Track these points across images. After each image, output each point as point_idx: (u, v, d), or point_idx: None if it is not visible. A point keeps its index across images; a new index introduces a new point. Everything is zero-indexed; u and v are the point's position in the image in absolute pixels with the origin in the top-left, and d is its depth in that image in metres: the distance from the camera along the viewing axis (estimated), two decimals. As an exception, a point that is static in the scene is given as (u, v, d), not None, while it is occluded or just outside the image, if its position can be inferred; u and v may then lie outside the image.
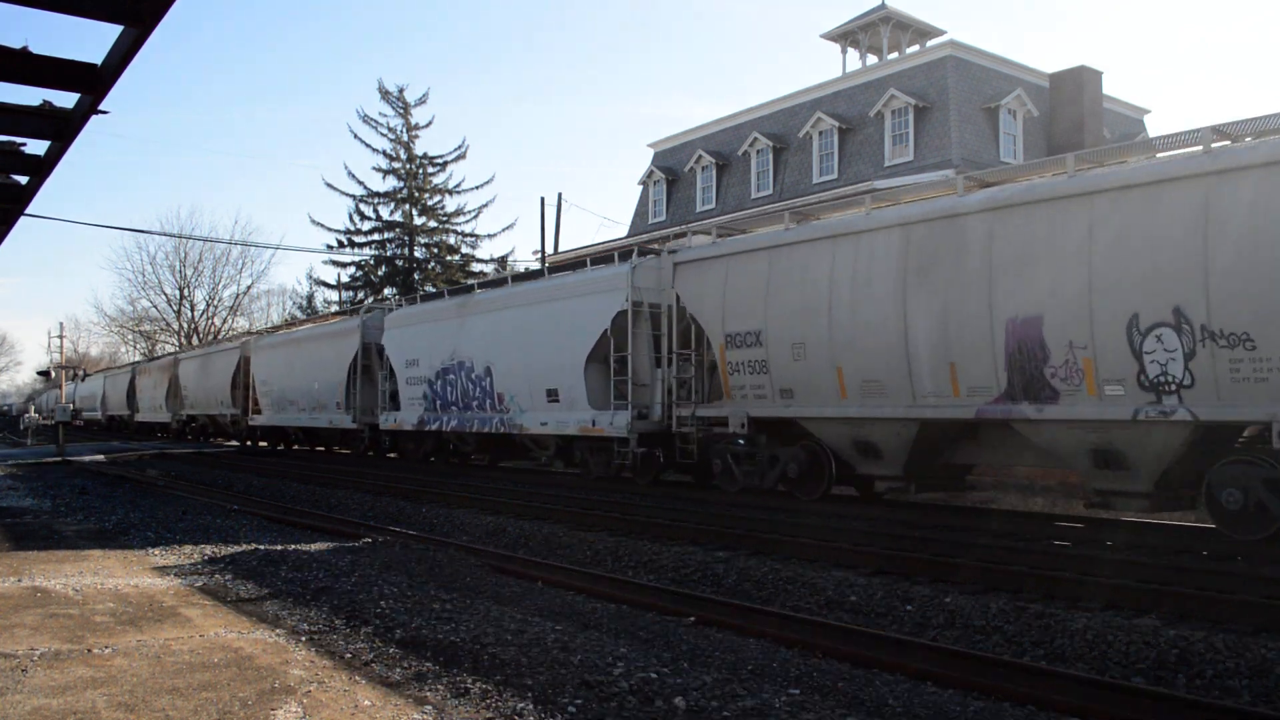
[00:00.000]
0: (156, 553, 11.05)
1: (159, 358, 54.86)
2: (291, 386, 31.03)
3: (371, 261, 47.67)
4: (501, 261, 46.24)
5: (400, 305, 26.93)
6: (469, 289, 23.67)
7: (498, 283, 22.73)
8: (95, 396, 63.68)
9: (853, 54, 33.45)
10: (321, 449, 32.99)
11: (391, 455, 27.53)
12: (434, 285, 42.13)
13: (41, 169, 8.20)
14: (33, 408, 70.06)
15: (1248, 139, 10.47)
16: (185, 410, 42.28)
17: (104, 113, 6.70)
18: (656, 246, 20.22)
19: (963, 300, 12.08)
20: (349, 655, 6.44)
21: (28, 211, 9.97)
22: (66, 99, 6.82)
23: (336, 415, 28.11)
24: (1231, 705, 5.58)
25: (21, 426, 52.77)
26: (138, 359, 65.54)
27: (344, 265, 48.65)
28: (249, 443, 36.92)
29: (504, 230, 71.25)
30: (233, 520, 14.08)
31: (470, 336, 21.84)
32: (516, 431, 20.19)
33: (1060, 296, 11.07)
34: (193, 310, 67.36)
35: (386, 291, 44.71)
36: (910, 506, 13.92)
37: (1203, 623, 7.03)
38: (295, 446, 34.08)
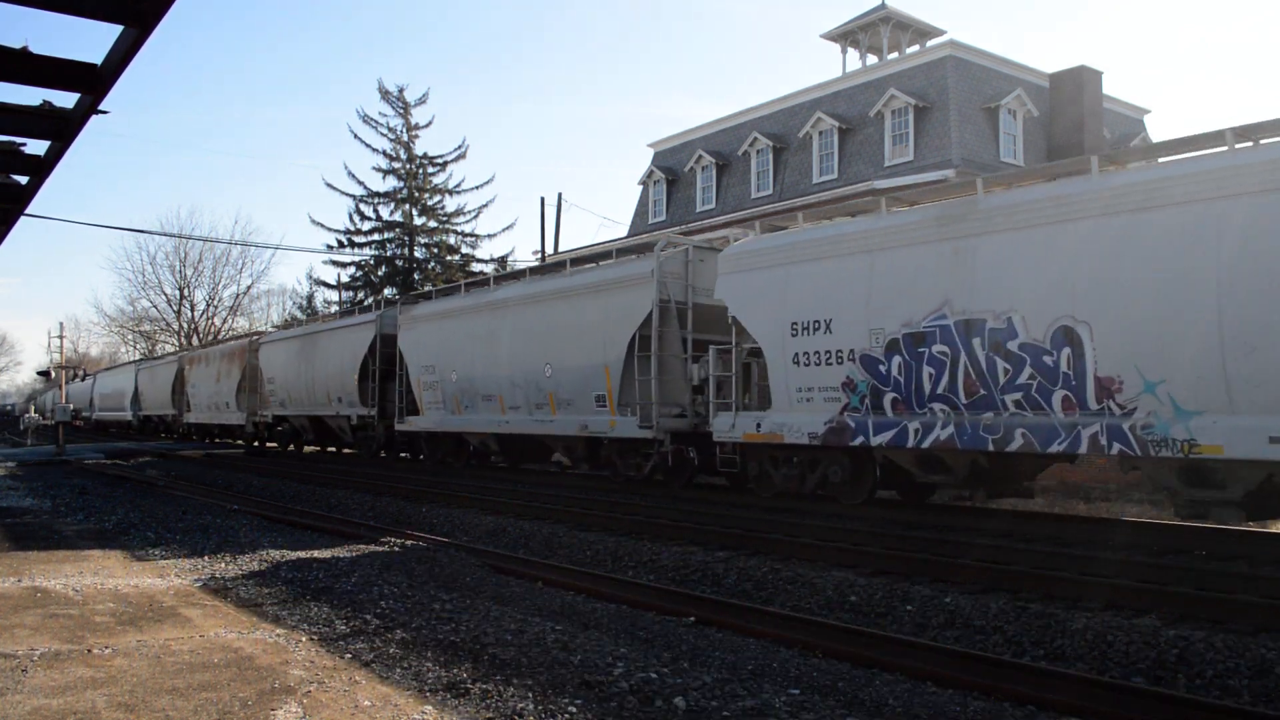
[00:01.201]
0: (156, 553, 11.06)
1: (221, 342, 45.04)
2: (490, 374, 20.35)
3: (371, 261, 47.67)
4: (502, 261, 46.24)
5: (746, 234, 16.45)
6: (959, 188, 12.86)
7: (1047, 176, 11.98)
8: (123, 394, 52.72)
9: (853, 54, 33.48)
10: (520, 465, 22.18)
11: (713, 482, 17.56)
12: (433, 284, 41.47)
13: (41, 169, 8.19)
14: (33, 407, 69.64)
15: None
16: (272, 410, 31.32)
17: (104, 113, 6.70)
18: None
19: None
20: (349, 655, 6.44)
21: (28, 211, 9.96)
22: (66, 99, 6.81)
23: (598, 417, 17.30)
24: (1231, 705, 5.59)
25: (21, 427, 52.70)
26: (185, 348, 53.94)
27: (344, 265, 48.62)
28: (383, 453, 26.77)
29: (504, 230, 71.48)
30: (233, 520, 14.08)
31: (994, 272, 11.56)
32: (1174, 453, 9.84)
33: None
34: (193, 310, 67.39)
35: (387, 291, 44.65)
36: (910, 506, 13.91)
37: (1203, 623, 7.03)
38: (473, 460, 22.99)
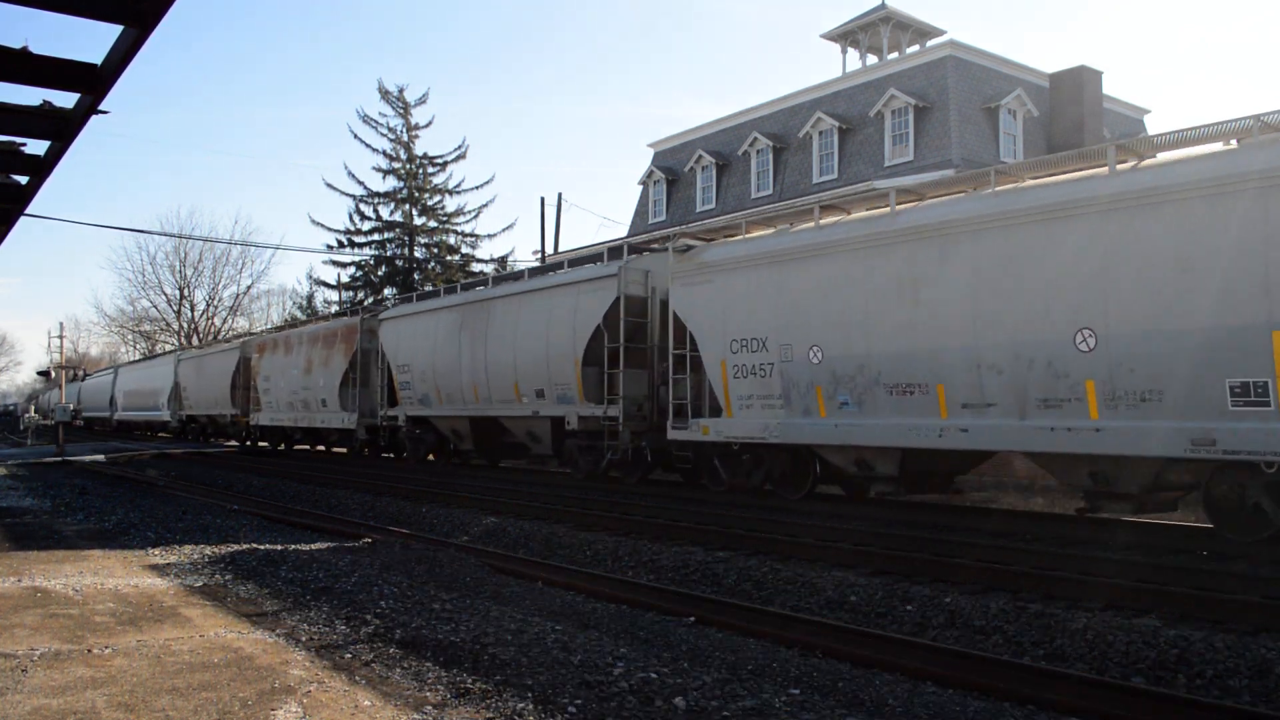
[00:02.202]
0: (156, 553, 11.05)
1: (311, 320, 35.45)
2: (910, 349, 12.07)
3: (371, 261, 47.69)
4: (501, 261, 46.25)
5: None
6: None
7: None
8: (156, 392, 44.52)
9: (853, 54, 33.48)
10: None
11: None
12: (433, 284, 41.51)
13: (41, 169, 8.20)
14: (33, 408, 69.49)
15: None
16: (404, 409, 23.50)
17: (104, 113, 6.70)
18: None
19: None
20: (349, 655, 6.44)
21: (28, 211, 9.97)
22: (66, 99, 6.82)
23: (1265, 425, 8.91)
24: (1231, 705, 5.59)
25: (22, 427, 52.69)
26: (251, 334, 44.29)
27: (344, 265, 48.68)
28: (613, 472, 18.10)
29: (504, 230, 71.23)
30: (233, 520, 14.07)
31: None
32: None
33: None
34: (193, 310, 67.48)
35: (386, 292, 44.63)
36: (910, 506, 13.90)
37: (1203, 623, 7.03)
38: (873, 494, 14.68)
